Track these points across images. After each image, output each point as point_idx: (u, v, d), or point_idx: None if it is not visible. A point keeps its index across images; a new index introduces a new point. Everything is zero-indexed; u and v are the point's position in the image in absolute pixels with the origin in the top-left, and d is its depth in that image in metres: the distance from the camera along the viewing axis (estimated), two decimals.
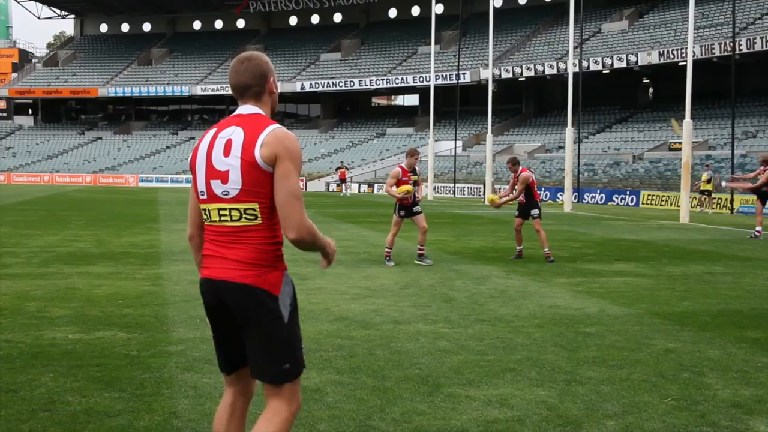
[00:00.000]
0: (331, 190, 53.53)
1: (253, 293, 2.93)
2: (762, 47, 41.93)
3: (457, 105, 48.70)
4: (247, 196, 2.92)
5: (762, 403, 4.85)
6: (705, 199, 31.52)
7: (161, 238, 15.59)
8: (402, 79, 62.72)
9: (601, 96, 53.03)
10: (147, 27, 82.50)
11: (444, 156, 54.74)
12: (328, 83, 66.13)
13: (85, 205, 29.86)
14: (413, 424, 4.40)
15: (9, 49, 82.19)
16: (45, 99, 77.57)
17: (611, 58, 50.21)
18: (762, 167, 17.25)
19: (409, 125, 65.59)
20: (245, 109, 3.05)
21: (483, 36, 54.79)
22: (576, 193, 36.99)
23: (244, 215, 2.95)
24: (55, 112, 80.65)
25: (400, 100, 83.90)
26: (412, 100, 73.58)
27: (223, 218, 2.99)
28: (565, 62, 48.01)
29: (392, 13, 73.44)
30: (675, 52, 46.15)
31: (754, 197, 18.19)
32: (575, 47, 40.83)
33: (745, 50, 42.13)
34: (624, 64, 49.53)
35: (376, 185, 52.76)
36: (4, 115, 79.39)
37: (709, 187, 31.27)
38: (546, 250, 12.60)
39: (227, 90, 68.05)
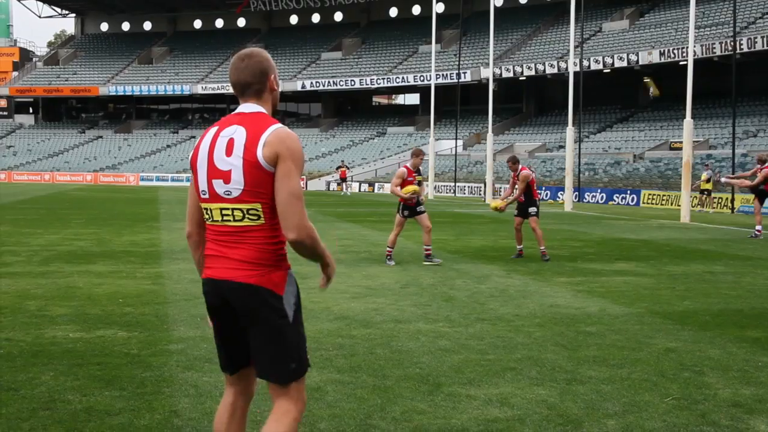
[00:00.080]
0: (331, 189, 53.54)
1: (257, 293, 2.91)
2: (763, 46, 41.92)
3: (458, 104, 48.70)
4: (250, 196, 2.90)
5: (762, 403, 4.85)
6: (705, 198, 31.53)
7: (162, 237, 15.59)
8: (403, 78, 62.72)
9: (601, 95, 53.03)
10: (148, 26, 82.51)
11: (444, 155, 54.76)
12: (328, 82, 66.13)
13: (86, 203, 29.87)
14: (414, 423, 4.40)
15: (10, 47, 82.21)
16: (46, 98, 77.61)
17: (612, 57, 50.20)
18: (759, 166, 17.28)
19: (410, 124, 65.59)
20: (247, 107, 3.02)
21: (484, 35, 54.75)
22: (576, 193, 36.99)
23: (247, 215, 2.92)
24: (56, 111, 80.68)
25: (400, 99, 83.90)
26: (413, 99, 73.57)
27: (225, 218, 2.96)
28: (566, 61, 48.03)
29: (393, 12, 73.43)
30: (676, 51, 46.14)
31: (753, 196, 18.21)
32: (576, 46, 40.80)
33: (746, 49, 42.11)
34: (625, 64, 49.52)
35: (376, 184, 52.76)
36: (5, 113, 79.39)
37: (708, 186, 31.27)
38: (542, 248, 12.62)
39: (228, 89, 68.11)
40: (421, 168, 12.18)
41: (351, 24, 74.73)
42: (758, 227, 17.58)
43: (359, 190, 52.23)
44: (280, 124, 2.94)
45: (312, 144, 64.78)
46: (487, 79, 44.73)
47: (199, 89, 70.78)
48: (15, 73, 78.35)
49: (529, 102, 61.49)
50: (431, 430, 4.30)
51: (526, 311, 7.89)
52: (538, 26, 62.58)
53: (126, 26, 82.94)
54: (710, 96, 47.44)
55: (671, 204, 33.58)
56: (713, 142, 43.50)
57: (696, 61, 27.74)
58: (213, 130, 3.04)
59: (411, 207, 11.80)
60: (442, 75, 56.32)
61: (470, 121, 60.50)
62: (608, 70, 50.65)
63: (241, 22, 78.91)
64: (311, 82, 66.54)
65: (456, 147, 49.88)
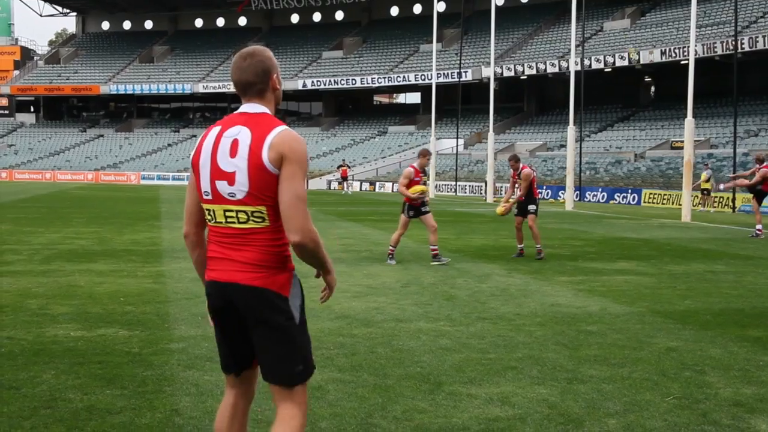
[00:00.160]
0: (332, 188, 53.53)
1: (263, 295, 2.88)
2: (764, 46, 41.88)
3: (459, 103, 48.70)
4: (255, 199, 2.86)
5: (764, 402, 4.85)
6: (705, 198, 31.53)
7: (163, 236, 15.60)
8: (404, 77, 62.71)
9: (602, 94, 53.00)
10: (149, 24, 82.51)
11: (446, 154, 54.75)
12: (329, 81, 66.12)
13: (87, 202, 29.88)
14: (414, 422, 4.40)
15: (11, 46, 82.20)
16: (47, 96, 77.61)
17: (613, 56, 50.17)
18: (757, 165, 17.31)
19: (411, 123, 65.57)
20: (250, 107, 2.98)
21: (485, 34, 54.71)
22: (578, 192, 36.98)
23: (251, 218, 2.89)
24: (57, 110, 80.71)
25: (401, 98, 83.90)
26: (414, 98, 73.55)
27: (229, 220, 2.92)
28: (567, 60, 47.99)
29: (394, 11, 73.41)
30: (677, 50, 46.10)
31: (752, 195, 18.24)
32: (577, 45, 40.75)
33: (747, 49, 42.08)
34: (626, 63, 49.50)
35: (377, 183, 52.76)
36: (6, 112, 79.42)
37: (708, 186, 31.27)
38: (538, 246, 12.65)
39: (229, 88, 68.14)
40: (427, 168, 12.18)
41: (352, 23, 74.71)
42: (758, 226, 17.58)
43: (360, 189, 52.22)
44: (284, 126, 2.91)
45: (313, 143, 64.78)
46: (488, 78, 44.70)
47: (200, 88, 70.77)
48: (16, 72, 78.38)
49: (530, 101, 61.47)
50: (432, 429, 4.30)
51: (527, 310, 7.89)
52: (539, 25, 62.55)
53: (127, 25, 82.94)
54: (711, 95, 47.41)
55: (672, 203, 33.56)
56: (714, 142, 43.48)
57: (697, 61, 27.73)
58: (216, 129, 2.99)
59: (416, 207, 11.79)
60: (443, 74, 56.32)
61: (471, 120, 60.48)
62: (609, 70, 50.62)
63: (242, 20, 78.89)
64: (312, 81, 66.53)
65: (457, 146, 49.86)
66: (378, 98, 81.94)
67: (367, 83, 64.61)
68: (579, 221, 23.00)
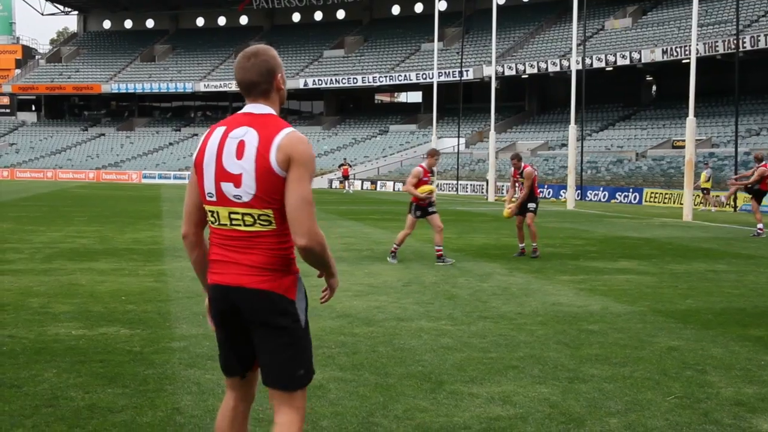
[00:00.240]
0: (333, 187, 53.54)
1: (270, 298, 2.85)
2: (765, 45, 41.82)
3: (460, 102, 48.71)
4: (261, 202, 2.82)
5: (765, 402, 4.84)
6: (705, 197, 31.52)
7: (164, 235, 15.61)
8: (405, 76, 62.69)
9: (604, 93, 52.96)
10: (150, 23, 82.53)
11: (447, 153, 54.69)
12: (331, 80, 66.12)
13: (88, 201, 29.90)
14: (416, 420, 4.40)
15: (12, 45, 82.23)
16: (48, 95, 77.65)
17: (614, 55, 50.14)
18: (757, 164, 17.36)
19: (412, 122, 65.57)
20: (256, 108, 2.92)
21: (486, 33, 54.70)
22: (579, 191, 36.97)
23: (258, 221, 2.85)
24: (59, 109, 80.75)
25: (403, 97, 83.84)
26: (415, 97, 73.53)
27: (234, 222, 2.88)
28: (568, 59, 47.97)
29: (395, 10, 73.39)
30: (678, 49, 46.06)
31: (750, 196, 18.31)
32: (578, 44, 40.74)
33: (749, 48, 42.03)
34: (627, 62, 49.46)
35: (378, 182, 52.76)
36: (8, 111, 79.46)
37: (708, 185, 31.26)
38: (534, 244, 12.67)
39: (230, 87, 68.19)
40: (435, 168, 12.18)
41: (353, 22, 74.70)
42: (759, 225, 17.59)
43: (361, 188, 52.23)
44: (291, 128, 2.86)
45: (314, 142, 64.75)
46: (490, 77, 44.69)
47: (201, 87, 70.78)
48: (18, 71, 78.41)
49: (532, 100, 61.44)
50: (433, 428, 4.30)
51: (528, 309, 7.89)
52: (541, 24, 62.51)
53: (128, 24, 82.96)
54: (713, 94, 47.37)
55: (674, 202, 33.55)
56: (716, 141, 43.44)
57: (699, 60, 27.68)
58: (220, 129, 2.94)
59: (423, 207, 11.77)
60: (445, 73, 56.29)
61: (472, 119, 60.46)
62: (611, 69, 50.59)
63: (244, 19, 78.88)
64: (313, 80, 66.53)
65: (458, 145, 49.83)
66: (379, 97, 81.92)
67: (369, 82, 64.60)
68: (580, 220, 23.00)
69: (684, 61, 42.48)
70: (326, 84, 66.33)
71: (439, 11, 48.47)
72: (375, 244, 14.55)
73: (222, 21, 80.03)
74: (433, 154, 11.97)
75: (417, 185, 11.61)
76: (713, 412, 4.63)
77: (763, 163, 17.72)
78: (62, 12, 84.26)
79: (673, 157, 42.36)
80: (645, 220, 23.91)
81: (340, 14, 75.49)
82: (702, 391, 5.05)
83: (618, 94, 54.89)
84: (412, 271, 10.68)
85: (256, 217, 2.84)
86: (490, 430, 4.27)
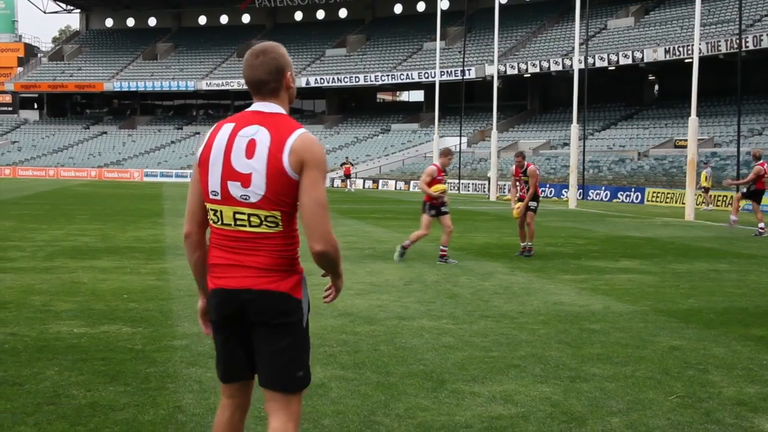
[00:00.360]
0: (335, 185, 53.55)
1: (278, 298, 2.80)
2: None
3: (462, 101, 48.67)
4: (270, 203, 2.76)
5: (767, 401, 4.84)
6: (705, 196, 31.51)
7: (166, 233, 15.62)
8: (407, 74, 62.66)
9: (606, 93, 52.91)
10: (152, 22, 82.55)
11: None
12: (333, 79, 66.13)
13: (90, 199, 29.92)
14: (417, 419, 4.40)
15: (14, 43, 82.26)
16: (50, 93, 77.71)
17: (617, 54, 50.10)
18: (755, 163, 17.50)
19: (414, 121, 65.56)
20: (266, 106, 2.85)
21: (488, 32, 54.71)
22: (581, 190, 36.95)
23: (264, 222, 2.78)
24: (61, 107, 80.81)
25: (405, 96, 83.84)
26: (417, 96, 73.53)
27: (239, 223, 2.81)
28: (571, 59, 47.91)
29: (398, 8, 73.37)
30: (681, 48, 46.01)
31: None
32: (581, 44, 40.69)
33: (751, 47, 41.97)
34: (629, 61, 49.42)
35: (380, 181, 52.76)
36: (10, 109, 79.51)
37: (707, 184, 31.25)
38: (530, 243, 12.71)
39: (232, 85, 68.21)
40: (455, 169, 12.18)
41: (355, 21, 74.68)
42: (761, 225, 17.60)
43: (363, 187, 52.23)
44: (303, 128, 2.81)
45: None
46: (492, 76, 44.67)
47: (203, 85, 70.82)
48: (20, 69, 78.44)
49: (534, 99, 61.41)
50: (435, 426, 4.30)
51: (530, 308, 7.89)
52: (543, 23, 62.47)
53: (131, 22, 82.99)
54: (715, 94, 47.31)
55: (676, 202, 33.52)
56: (718, 140, 43.40)
57: (701, 59, 27.63)
58: (228, 126, 2.86)
59: (437, 206, 11.77)
60: (447, 72, 56.26)
61: (474, 118, 60.44)
62: (613, 68, 50.54)
63: (246, 18, 78.89)
64: (315, 79, 66.53)
65: (460, 144, 49.78)
66: (381, 96, 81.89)
67: (371, 81, 64.59)
68: (582, 219, 22.99)
69: (686, 60, 42.44)
70: (328, 83, 66.33)
71: (442, 10, 48.44)
72: (377, 242, 14.55)
73: (224, 19, 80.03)
74: (447, 153, 12.00)
75: (430, 184, 11.61)
76: (715, 411, 4.62)
77: (761, 161, 17.78)
78: (65, 10, 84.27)
79: (675, 157, 42.33)
80: (647, 219, 23.89)
81: (343, 13, 75.49)
82: (704, 390, 5.05)
83: (620, 94, 54.85)
84: (414, 270, 10.68)
85: (262, 219, 2.78)
86: (491, 429, 4.26)
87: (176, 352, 5.77)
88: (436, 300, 8.31)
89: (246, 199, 2.78)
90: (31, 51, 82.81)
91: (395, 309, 7.70)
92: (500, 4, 41.32)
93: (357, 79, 65.02)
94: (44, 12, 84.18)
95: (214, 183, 2.83)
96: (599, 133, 51.90)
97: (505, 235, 16.44)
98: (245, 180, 2.77)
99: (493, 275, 10.35)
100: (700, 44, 28.84)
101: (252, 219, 2.79)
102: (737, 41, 36.03)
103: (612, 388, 5.05)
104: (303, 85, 66.30)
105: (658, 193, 36.08)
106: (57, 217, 19.27)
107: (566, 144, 47.41)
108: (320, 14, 76.07)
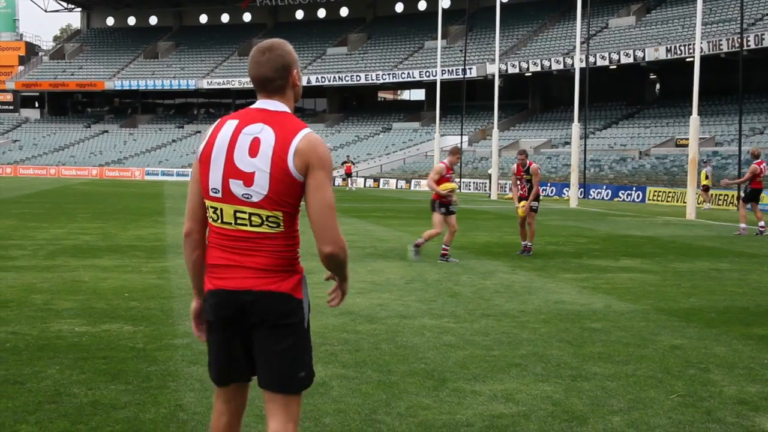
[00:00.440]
0: (336, 184, 53.57)
1: (279, 299, 2.76)
2: None
3: (463, 100, 48.62)
4: (272, 203, 2.72)
5: None
6: (705, 195, 31.49)
7: (167, 232, 15.62)
8: (408, 73, 62.64)
9: (607, 92, 52.88)
10: (153, 20, 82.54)
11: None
12: (334, 77, 66.12)
13: (91, 198, 29.93)
14: (418, 418, 4.40)
15: (16, 41, 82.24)
16: (51, 92, 77.72)
17: (618, 53, 50.07)
18: (755, 162, 17.54)
19: (415, 120, 65.55)
20: (270, 104, 2.81)
21: (489, 31, 54.67)
22: (582, 189, 36.93)
23: (266, 222, 2.74)
24: (62, 105, 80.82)
25: (406, 95, 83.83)
26: (419, 94, 73.51)
27: (240, 222, 2.76)
28: (572, 57, 47.88)
29: (399, 7, 73.34)
30: (682, 47, 45.97)
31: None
32: (582, 42, 40.67)
33: (753, 46, 41.93)
34: (631, 60, 49.39)
35: (381, 180, 52.75)
36: (11, 107, 79.52)
37: (707, 182, 31.24)
38: (529, 243, 12.73)
39: (233, 84, 68.19)
40: (456, 167, 12.20)
41: (357, 19, 74.65)
42: (761, 223, 17.61)
43: (364, 186, 52.23)
44: (308, 128, 2.77)
45: None
46: (493, 75, 44.64)
47: (204, 84, 70.81)
48: (21, 68, 78.44)
49: (535, 98, 61.37)
50: (436, 425, 4.30)
51: (531, 307, 7.89)
52: (544, 22, 62.44)
53: (132, 21, 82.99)
54: (717, 93, 47.26)
55: (677, 201, 33.51)
56: (719, 139, 43.38)
57: (703, 58, 27.61)
58: (232, 123, 2.80)
59: (446, 204, 11.76)
60: (448, 71, 56.23)
61: (476, 117, 60.42)
62: (614, 67, 50.52)
63: (247, 16, 78.87)
64: (317, 78, 66.52)
65: (461, 143, 49.72)
66: (382, 95, 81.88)
67: (372, 80, 64.57)
68: (583, 218, 22.98)
69: (688, 59, 42.37)
70: (329, 81, 66.32)
71: (443, 9, 48.39)
72: (378, 241, 14.55)
73: (225, 18, 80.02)
74: (455, 152, 12.04)
75: (439, 182, 11.61)
76: (716, 410, 4.62)
77: (758, 160, 17.80)
78: (65, 9, 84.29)
79: (676, 156, 42.31)
80: (648, 218, 23.88)
81: (344, 12, 75.46)
82: (705, 389, 5.05)
83: (621, 93, 54.81)
84: (415, 269, 10.69)
85: (264, 218, 2.74)
86: (492, 428, 4.26)
87: (177, 350, 5.77)
88: (437, 299, 8.31)
89: (248, 198, 2.73)
90: (32, 50, 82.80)
91: (396, 307, 7.70)
92: (501, 3, 41.28)
93: (358, 78, 65.01)
94: (45, 11, 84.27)
95: (215, 180, 2.78)
96: (600, 132, 51.88)
97: (506, 234, 16.44)
98: (248, 179, 2.72)
99: (495, 274, 10.35)
100: (701, 43, 28.81)
101: (253, 218, 2.74)
102: (739, 40, 36.02)
103: (613, 387, 5.05)
104: (304, 83, 66.20)
105: (659, 192, 36.06)
106: (58, 216, 19.28)
107: (567, 143, 47.38)
108: (321, 13, 76.05)
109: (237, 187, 2.74)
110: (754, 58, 42.97)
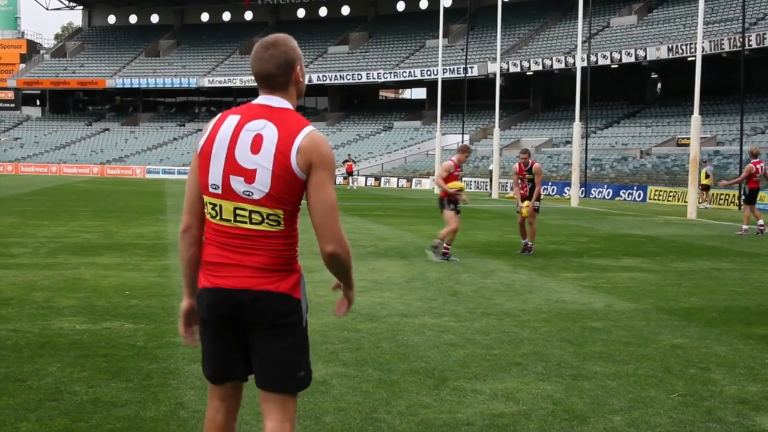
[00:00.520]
0: (337, 183, 53.55)
1: (278, 299, 2.72)
2: None
3: (465, 99, 48.59)
4: (274, 201, 2.68)
5: None
6: (704, 194, 31.50)
7: (168, 230, 15.62)
8: (409, 72, 62.62)
9: (609, 91, 52.85)
10: (155, 18, 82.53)
11: (451, 150, 54.61)
12: (335, 76, 66.09)
13: (93, 196, 29.94)
14: (419, 417, 4.40)
15: (17, 39, 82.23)
16: (53, 90, 77.70)
17: (619, 52, 50.05)
18: (753, 161, 17.55)
19: (417, 119, 65.54)
20: (272, 100, 2.77)
21: (491, 30, 54.62)
22: (583, 188, 36.91)
23: (266, 220, 2.70)
24: (63, 103, 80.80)
25: (407, 94, 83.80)
26: (420, 93, 73.47)
27: (239, 219, 2.72)
28: (573, 57, 47.86)
29: (400, 6, 73.30)
30: (684, 47, 45.93)
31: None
32: (583, 42, 40.64)
33: (754, 45, 41.89)
34: (632, 59, 49.36)
35: (382, 178, 52.75)
36: (12, 105, 79.52)
37: (707, 182, 31.23)
38: (531, 242, 12.72)
39: (235, 82, 68.19)
40: (465, 166, 12.18)
41: (358, 18, 74.62)
42: (760, 222, 17.65)
43: (365, 184, 52.22)
44: (311, 126, 2.74)
45: None
46: (494, 74, 44.62)
47: (205, 82, 70.81)
48: (22, 66, 78.43)
49: (536, 97, 61.34)
50: (436, 424, 4.30)
51: (531, 306, 7.89)
52: (546, 21, 62.40)
53: (133, 19, 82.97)
54: (718, 92, 47.21)
55: (678, 200, 33.49)
56: (721, 139, 43.35)
57: (704, 57, 27.58)
58: (234, 118, 2.76)
59: (454, 201, 11.74)
60: (449, 69, 56.22)
61: (477, 116, 60.39)
62: (616, 66, 50.49)
63: (248, 15, 78.84)
64: (318, 76, 66.48)
65: (462, 142, 49.72)
66: (384, 93, 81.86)
67: (373, 78, 64.55)
68: (584, 218, 22.97)
69: (689, 58, 42.30)
70: (330, 80, 66.30)
71: (444, 8, 48.35)
72: (379, 240, 14.55)
73: (227, 16, 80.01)
74: (464, 150, 12.02)
75: (447, 179, 11.60)
76: (717, 410, 4.62)
77: (756, 160, 17.81)
78: (67, 7, 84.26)
79: (677, 155, 42.28)
80: (649, 217, 23.87)
81: (345, 10, 75.43)
82: (705, 389, 5.05)
83: (623, 92, 54.78)
84: (416, 268, 10.69)
85: (264, 216, 2.70)
86: (493, 427, 4.27)
87: (178, 348, 5.77)
88: (438, 297, 8.31)
89: (249, 195, 2.69)
90: (33, 48, 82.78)
91: (397, 306, 7.70)
92: (503, 2, 41.24)
93: (359, 77, 64.99)
94: (47, 9, 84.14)
95: (215, 176, 2.73)
96: (602, 131, 51.86)
97: (507, 233, 16.43)
98: (249, 176, 2.68)
99: (495, 273, 10.35)
100: (703, 42, 28.82)
101: (254, 216, 2.71)
102: (740, 39, 35.95)
103: (614, 386, 5.05)
104: (305, 82, 66.22)
105: (661, 191, 36.05)
106: (59, 214, 19.29)
107: (568, 142, 47.34)
108: (323, 11, 76.03)
109: (238, 183, 2.70)
110: (755, 57, 42.92)
